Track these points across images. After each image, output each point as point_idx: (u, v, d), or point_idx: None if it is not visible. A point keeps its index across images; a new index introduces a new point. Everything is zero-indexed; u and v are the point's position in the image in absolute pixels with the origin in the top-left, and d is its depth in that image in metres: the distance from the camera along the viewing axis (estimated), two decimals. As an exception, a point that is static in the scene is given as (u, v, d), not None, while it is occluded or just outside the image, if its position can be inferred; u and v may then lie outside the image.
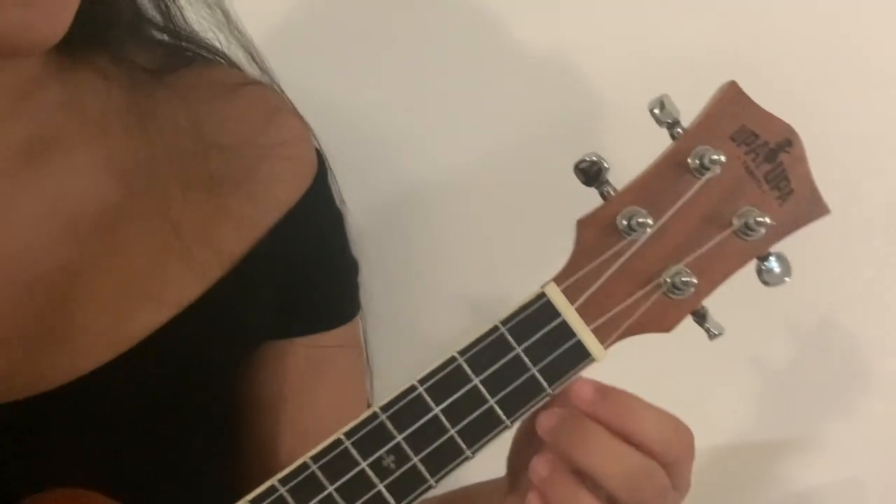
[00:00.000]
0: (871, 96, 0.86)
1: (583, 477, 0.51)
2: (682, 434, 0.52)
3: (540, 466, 0.52)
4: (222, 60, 0.68)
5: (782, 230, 0.55)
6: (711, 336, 0.55)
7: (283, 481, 0.52)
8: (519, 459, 0.57)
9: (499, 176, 0.87)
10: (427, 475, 0.52)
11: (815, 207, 0.55)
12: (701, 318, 0.55)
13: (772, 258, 0.55)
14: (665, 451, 0.51)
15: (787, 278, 0.56)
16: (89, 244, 0.61)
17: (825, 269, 0.91)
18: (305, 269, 0.67)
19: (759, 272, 0.56)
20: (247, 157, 0.64)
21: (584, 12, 0.85)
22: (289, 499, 0.52)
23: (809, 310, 0.93)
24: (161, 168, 0.62)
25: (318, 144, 0.69)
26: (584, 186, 0.54)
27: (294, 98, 0.69)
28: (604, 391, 0.51)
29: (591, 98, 0.84)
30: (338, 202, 0.71)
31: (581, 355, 0.52)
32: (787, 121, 0.56)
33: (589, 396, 0.51)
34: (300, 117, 0.68)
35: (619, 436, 0.50)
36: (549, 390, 0.52)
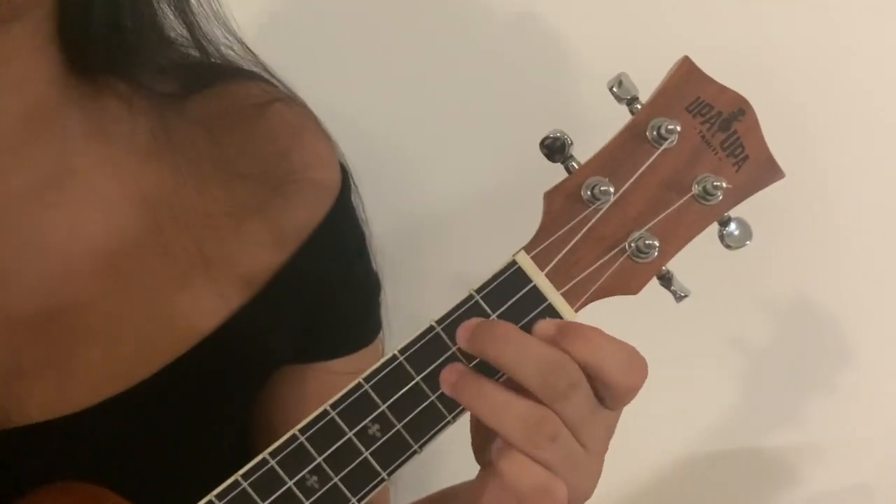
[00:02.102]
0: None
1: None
2: (639, 367, 0.52)
3: (447, 374, 0.52)
4: (246, 77, 0.67)
5: (740, 194, 0.58)
6: (678, 298, 0.58)
7: (274, 454, 0.54)
8: (479, 439, 0.58)
9: (507, 182, 0.89)
10: (411, 441, 0.54)
11: (770, 172, 0.58)
12: (667, 281, 0.57)
13: (732, 223, 0.58)
14: (619, 383, 0.51)
15: (747, 241, 0.58)
16: (111, 274, 0.61)
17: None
18: (329, 292, 0.67)
19: (721, 237, 0.58)
20: (269, 183, 0.64)
21: (589, 19, 0.88)
22: (279, 470, 0.54)
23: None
24: (184, 196, 0.62)
25: (344, 160, 0.69)
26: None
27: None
28: (563, 328, 0.52)
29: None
30: (361, 220, 0.70)
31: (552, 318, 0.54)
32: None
33: (550, 334, 0.52)
34: (325, 135, 0.68)
35: (581, 366, 0.51)
36: (524, 354, 0.54)
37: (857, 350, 0.99)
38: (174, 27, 0.63)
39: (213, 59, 0.65)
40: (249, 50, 0.67)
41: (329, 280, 0.67)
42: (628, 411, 0.55)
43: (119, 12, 0.57)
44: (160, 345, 0.61)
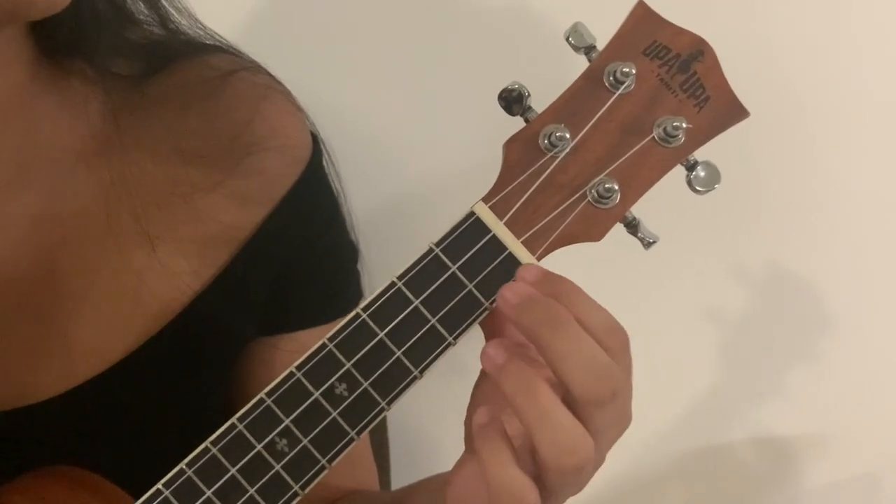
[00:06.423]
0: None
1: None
2: (620, 332, 0.50)
3: (494, 351, 0.49)
4: (206, 52, 0.66)
5: (703, 135, 0.57)
6: (646, 245, 0.57)
7: (241, 418, 0.54)
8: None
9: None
10: (379, 399, 0.54)
11: (733, 112, 0.57)
12: (633, 228, 0.56)
13: (699, 166, 0.57)
14: (607, 344, 0.49)
15: (716, 185, 0.57)
16: (74, 256, 0.61)
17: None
18: (299, 262, 0.67)
19: (689, 182, 0.57)
20: (230, 158, 0.64)
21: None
22: (248, 435, 0.54)
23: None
24: (140, 179, 0.62)
25: (314, 128, 0.68)
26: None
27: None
28: (548, 275, 0.49)
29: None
30: (336, 190, 0.69)
31: (514, 267, 0.54)
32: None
33: (534, 277, 0.49)
34: (292, 103, 0.67)
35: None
36: (487, 304, 0.54)
37: (863, 336, 0.96)
38: (141, 10, 0.63)
39: (176, 44, 0.65)
40: (212, 31, 0.67)
41: (298, 249, 0.67)
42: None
43: None
44: (127, 330, 0.61)
